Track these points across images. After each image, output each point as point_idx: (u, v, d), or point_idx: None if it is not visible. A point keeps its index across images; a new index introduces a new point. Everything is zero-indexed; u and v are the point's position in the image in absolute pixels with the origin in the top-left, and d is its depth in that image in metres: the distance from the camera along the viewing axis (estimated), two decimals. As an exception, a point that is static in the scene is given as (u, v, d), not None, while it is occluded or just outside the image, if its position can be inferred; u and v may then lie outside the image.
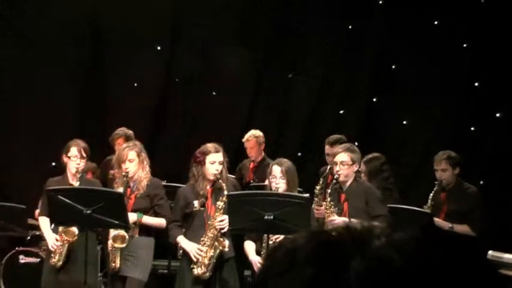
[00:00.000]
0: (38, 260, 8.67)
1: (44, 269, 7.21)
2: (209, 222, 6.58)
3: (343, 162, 6.85)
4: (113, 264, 6.82)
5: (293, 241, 1.08)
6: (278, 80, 10.62)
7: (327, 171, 8.08)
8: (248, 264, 6.92)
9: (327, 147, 8.33)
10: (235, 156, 9.17)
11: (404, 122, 10.33)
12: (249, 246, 6.75)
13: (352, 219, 6.50)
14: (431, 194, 7.44)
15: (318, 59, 10.38)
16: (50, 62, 10.56)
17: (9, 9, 10.38)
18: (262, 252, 6.55)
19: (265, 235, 6.48)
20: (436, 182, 7.51)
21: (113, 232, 6.76)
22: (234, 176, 7.84)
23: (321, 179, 7.94)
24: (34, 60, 10.45)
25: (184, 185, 6.99)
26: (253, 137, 9.24)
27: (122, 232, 6.67)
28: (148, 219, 6.90)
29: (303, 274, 1.02)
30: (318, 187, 7.80)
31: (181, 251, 6.88)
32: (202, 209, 6.64)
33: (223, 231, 6.53)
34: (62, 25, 10.47)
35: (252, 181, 8.90)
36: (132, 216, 6.74)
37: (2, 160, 10.60)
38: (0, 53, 10.44)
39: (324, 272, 1.02)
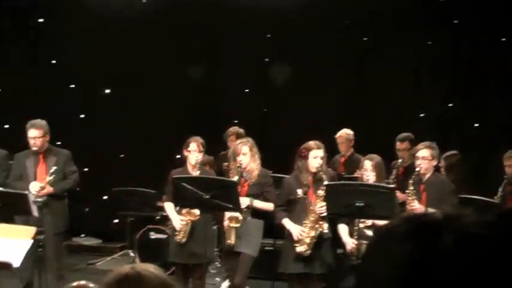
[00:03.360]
0: (165, 236, 8.88)
1: (171, 243, 7.36)
2: (310, 208, 6.64)
3: (424, 157, 6.87)
4: (229, 241, 6.94)
5: (392, 223, 1.11)
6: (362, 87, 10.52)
7: (398, 164, 8.14)
8: (341, 244, 6.95)
9: (397, 143, 8.37)
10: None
11: (476, 125, 10.14)
12: (343, 229, 6.80)
13: (429, 208, 6.51)
14: (501, 187, 7.38)
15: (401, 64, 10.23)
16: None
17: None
18: (354, 234, 6.59)
19: (356, 219, 6.54)
20: (505, 177, 7.48)
21: (228, 213, 6.90)
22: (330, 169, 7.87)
23: (394, 171, 7.98)
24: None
25: (288, 176, 7.06)
26: (344, 134, 9.30)
27: (237, 214, 6.81)
28: (259, 204, 7.00)
29: (401, 249, 1.04)
30: (391, 177, 7.81)
31: (285, 232, 6.96)
32: (304, 196, 6.72)
33: (322, 215, 6.59)
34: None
35: (342, 173, 8.92)
36: (245, 201, 6.86)
37: (138, 152, 10.91)
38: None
39: (419, 246, 1.01)
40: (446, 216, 1.05)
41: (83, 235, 11.23)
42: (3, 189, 6.88)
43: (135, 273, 2.21)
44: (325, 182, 6.51)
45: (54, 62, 11.53)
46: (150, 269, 2.25)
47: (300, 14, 10.60)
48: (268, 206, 7.01)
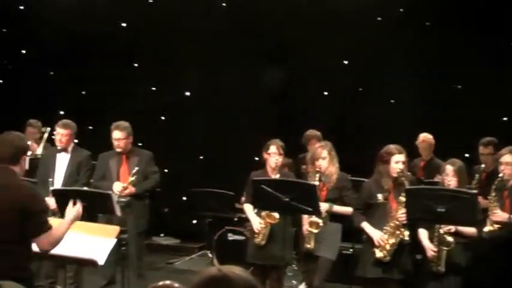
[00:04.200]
0: (243, 237, 8.93)
1: (249, 245, 7.39)
2: (391, 214, 6.55)
3: (508, 162, 6.75)
4: (308, 246, 6.94)
5: (497, 233, 1.09)
6: (441, 90, 10.34)
7: (480, 169, 7.95)
8: (419, 249, 6.84)
9: (481, 148, 8.19)
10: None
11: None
12: (423, 234, 6.67)
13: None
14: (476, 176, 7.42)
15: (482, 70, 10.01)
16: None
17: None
18: (434, 240, 6.47)
19: (437, 225, 6.41)
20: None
21: (308, 218, 6.88)
22: (410, 173, 7.76)
23: (476, 176, 7.78)
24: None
25: (367, 179, 7.00)
26: (428, 138, 9.18)
27: (317, 219, 6.78)
28: (338, 208, 6.97)
29: (504, 255, 1.03)
30: (474, 182, 7.62)
31: (364, 236, 6.90)
32: (385, 201, 6.63)
33: (403, 222, 6.49)
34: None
35: (422, 178, 8.78)
36: (325, 205, 6.84)
37: (217, 154, 11.02)
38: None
39: None
40: None
41: (162, 235, 11.40)
42: (88, 189, 7.05)
43: (221, 275, 2.23)
44: (406, 187, 6.42)
45: (136, 65, 11.75)
46: (236, 271, 2.26)
47: (376, 15, 10.51)
48: (347, 210, 6.97)
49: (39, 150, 8.84)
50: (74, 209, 4.84)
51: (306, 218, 6.98)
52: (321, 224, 6.80)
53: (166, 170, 10.14)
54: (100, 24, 11.31)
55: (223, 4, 11.15)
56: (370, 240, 6.66)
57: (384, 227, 6.56)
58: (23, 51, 12.17)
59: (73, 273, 7.31)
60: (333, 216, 7.01)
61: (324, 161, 6.99)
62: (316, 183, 6.79)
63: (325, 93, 10.78)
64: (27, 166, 8.34)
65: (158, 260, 10.26)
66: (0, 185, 4.38)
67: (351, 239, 7.81)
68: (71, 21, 11.31)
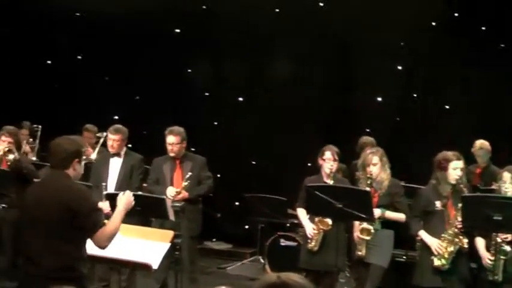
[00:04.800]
0: (295, 243, 8.91)
1: (302, 250, 7.39)
2: (450, 221, 6.45)
3: None
4: (359, 253, 6.89)
5: None
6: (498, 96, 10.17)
7: None
8: (475, 257, 6.72)
9: None
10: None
11: None
12: (480, 242, 6.56)
13: None
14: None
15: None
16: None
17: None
18: (490, 249, 6.35)
19: (494, 233, 6.29)
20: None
21: (360, 225, 6.83)
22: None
23: None
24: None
25: (422, 186, 6.90)
26: (486, 145, 9.04)
27: (368, 226, 6.73)
28: (390, 214, 6.90)
29: None
30: None
31: (418, 243, 6.81)
32: (443, 209, 6.53)
33: (462, 230, 6.38)
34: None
35: (478, 185, 8.63)
36: (377, 212, 6.77)
37: (270, 159, 11.04)
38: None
39: None
40: None
41: (214, 239, 11.44)
42: (142, 193, 7.11)
43: (280, 283, 2.22)
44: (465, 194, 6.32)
45: (189, 70, 11.83)
46: (295, 278, 2.25)
47: (431, 20, 10.38)
48: (400, 216, 6.89)
49: (94, 155, 8.97)
50: (124, 197, 4.82)
51: (357, 225, 6.93)
52: (372, 231, 6.74)
53: (218, 175, 10.18)
54: (153, 30, 11.44)
55: (277, 10, 11.12)
56: (427, 248, 6.56)
57: (442, 235, 6.45)
58: (79, 57, 12.37)
59: (126, 277, 7.36)
60: (385, 223, 6.94)
61: (375, 167, 6.93)
62: (367, 189, 6.73)
63: (379, 99, 10.67)
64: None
65: (210, 264, 10.30)
66: (50, 188, 4.46)
67: (403, 246, 7.73)
68: (126, 27, 11.48)
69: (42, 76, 12.24)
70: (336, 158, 7.23)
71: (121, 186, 7.58)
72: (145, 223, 6.74)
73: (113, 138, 7.75)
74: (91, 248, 4.62)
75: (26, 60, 12.07)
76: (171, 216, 6.64)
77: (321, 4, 10.77)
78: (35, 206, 4.40)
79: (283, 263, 8.91)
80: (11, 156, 7.65)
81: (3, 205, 8.00)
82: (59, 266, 4.30)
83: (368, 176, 6.92)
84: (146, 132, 11.55)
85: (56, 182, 4.47)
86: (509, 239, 6.31)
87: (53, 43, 12.15)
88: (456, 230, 6.38)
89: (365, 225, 6.76)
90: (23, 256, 4.42)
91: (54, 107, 11.82)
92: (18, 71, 12.04)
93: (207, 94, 11.74)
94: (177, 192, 7.48)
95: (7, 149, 7.67)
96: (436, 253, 6.45)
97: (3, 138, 7.77)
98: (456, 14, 10.38)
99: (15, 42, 11.75)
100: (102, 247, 4.54)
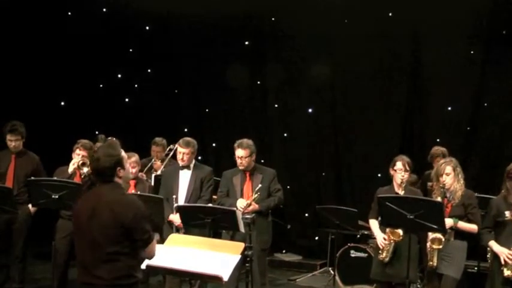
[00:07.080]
0: (366, 255, 8.89)
1: (373, 262, 7.37)
2: (521, 230, 6.38)
3: None
4: (431, 263, 6.84)
5: None
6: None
7: None
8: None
9: None
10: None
11: None
12: None
13: None
14: None
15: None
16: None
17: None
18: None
19: None
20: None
21: (431, 235, 6.79)
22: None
23: None
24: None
25: (495, 197, 6.83)
26: None
27: (439, 235, 6.68)
28: (463, 225, 6.83)
29: None
30: None
31: (488, 254, 6.72)
32: (512, 218, 6.48)
33: None
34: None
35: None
36: (449, 222, 6.72)
37: (339, 170, 11.04)
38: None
39: None
40: None
41: (284, 251, 11.49)
42: (213, 205, 7.22)
43: None
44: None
45: (258, 82, 11.94)
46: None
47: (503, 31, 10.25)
48: (472, 227, 6.82)
49: (162, 169, 9.14)
50: None
51: (429, 235, 6.88)
52: (443, 240, 6.68)
53: (288, 187, 10.24)
54: (223, 44, 11.60)
55: (346, 21, 11.12)
56: (497, 259, 6.51)
57: None
58: (149, 70, 12.63)
59: (197, 288, 7.46)
60: (458, 234, 6.88)
61: (448, 177, 6.88)
62: (439, 199, 6.69)
63: (449, 108, 10.55)
64: (152, 183, 8.69)
65: (280, 276, 10.36)
66: (101, 199, 4.40)
67: (476, 257, 7.62)
68: (195, 44, 11.68)
69: (113, 90, 12.55)
70: (407, 168, 7.21)
71: (191, 198, 7.72)
72: (216, 235, 6.82)
73: (182, 152, 7.86)
74: (162, 260, 4.69)
75: (99, 74, 12.41)
76: (242, 228, 6.73)
77: (390, 14, 10.70)
78: (87, 218, 4.36)
79: (354, 275, 8.93)
80: (85, 170, 7.86)
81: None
82: (114, 276, 4.32)
83: (441, 186, 6.88)
84: (215, 145, 11.72)
85: (107, 196, 4.40)
86: None
87: (123, 57, 12.44)
88: None
89: (436, 234, 6.71)
90: (78, 266, 4.46)
91: (130, 120, 12.10)
92: (91, 86, 12.37)
93: (276, 106, 11.80)
94: (247, 204, 7.57)
95: (81, 162, 7.90)
96: (503, 263, 6.39)
97: (77, 151, 8.00)
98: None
99: (88, 55, 12.05)
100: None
